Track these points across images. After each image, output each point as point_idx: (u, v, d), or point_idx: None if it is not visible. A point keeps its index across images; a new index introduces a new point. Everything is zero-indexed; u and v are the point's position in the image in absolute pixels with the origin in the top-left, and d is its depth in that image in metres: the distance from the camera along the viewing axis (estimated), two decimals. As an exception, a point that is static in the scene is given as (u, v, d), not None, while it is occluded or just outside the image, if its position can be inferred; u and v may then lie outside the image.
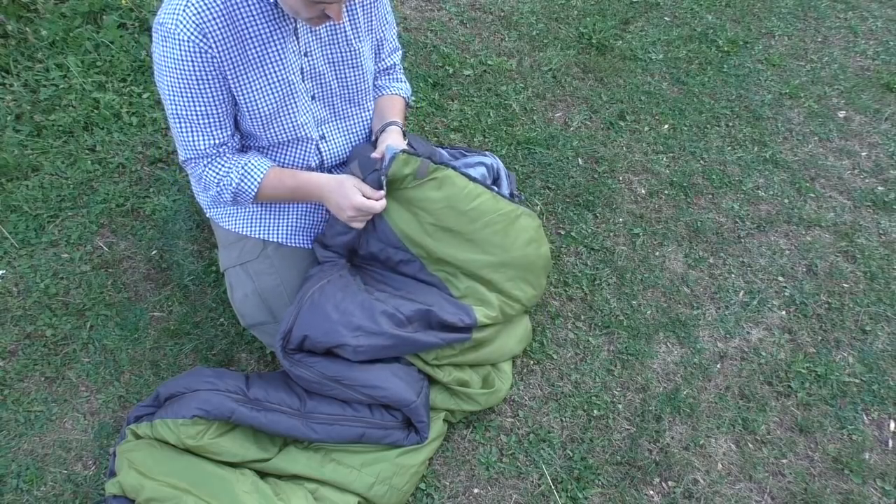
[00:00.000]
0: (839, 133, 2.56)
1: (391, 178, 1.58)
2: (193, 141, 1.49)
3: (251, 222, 1.71)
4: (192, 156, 1.51)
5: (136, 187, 2.23)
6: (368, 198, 1.54)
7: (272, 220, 1.72)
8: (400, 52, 1.84)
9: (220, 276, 1.99)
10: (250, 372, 1.84)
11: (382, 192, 1.56)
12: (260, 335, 1.76)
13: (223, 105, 1.47)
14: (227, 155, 1.54)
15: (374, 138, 1.71)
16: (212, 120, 1.47)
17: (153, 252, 2.09)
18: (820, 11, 3.06)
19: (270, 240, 1.70)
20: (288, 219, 1.73)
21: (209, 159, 1.52)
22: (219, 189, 1.56)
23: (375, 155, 1.60)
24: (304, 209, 1.75)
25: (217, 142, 1.50)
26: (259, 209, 1.72)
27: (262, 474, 1.56)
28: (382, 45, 1.73)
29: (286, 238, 1.72)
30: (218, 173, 1.54)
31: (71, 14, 2.62)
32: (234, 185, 1.54)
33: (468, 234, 1.69)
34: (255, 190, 1.56)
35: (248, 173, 1.55)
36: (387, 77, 1.83)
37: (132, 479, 1.47)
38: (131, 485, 1.47)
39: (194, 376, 1.61)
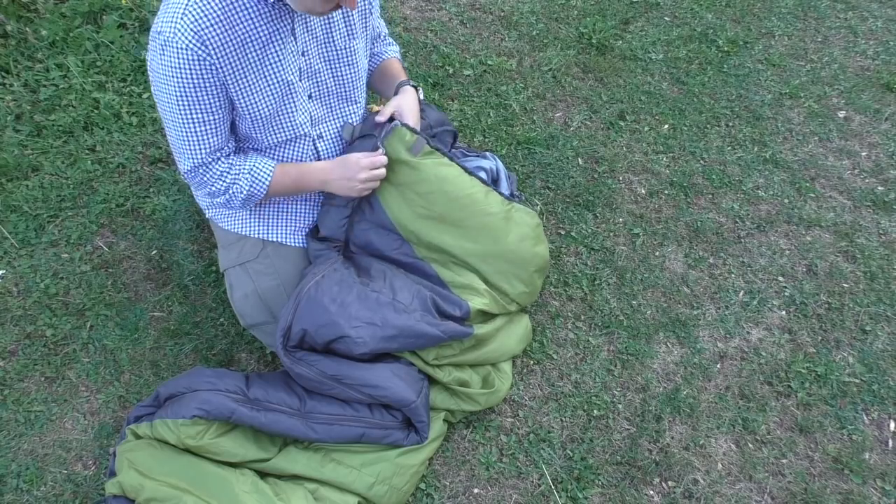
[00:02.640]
0: (839, 133, 2.56)
1: (386, 147, 1.64)
2: (191, 150, 1.49)
3: (250, 222, 1.71)
4: (192, 166, 1.51)
5: (136, 187, 2.23)
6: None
7: (271, 220, 1.72)
8: (383, 22, 1.89)
9: (220, 276, 1.99)
10: (250, 372, 1.84)
11: (382, 151, 1.63)
12: (260, 335, 1.76)
13: (220, 111, 1.47)
14: (228, 159, 1.55)
15: (379, 104, 1.80)
16: (209, 127, 1.47)
17: (153, 252, 2.09)
18: (820, 11, 3.06)
19: (270, 240, 1.71)
20: (287, 218, 1.73)
21: (207, 166, 1.52)
22: (228, 197, 1.57)
23: (380, 118, 1.65)
24: (304, 208, 1.75)
25: (214, 148, 1.50)
26: (258, 209, 1.72)
27: (262, 474, 1.56)
28: (378, 33, 1.80)
29: (286, 238, 1.72)
30: (225, 181, 1.54)
31: (71, 14, 2.62)
32: (245, 192, 1.56)
33: (458, 220, 1.70)
34: (265, 192, 1.59)
35: (257, 178, 1.57)
36: (381, 43, 1.85)
37: (132, 479, 1.47)
38: (131, 485, 1.47)
39: (194, 376, 1.61)
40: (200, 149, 1.49)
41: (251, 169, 1.56)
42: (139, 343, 1.90)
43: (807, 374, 1.91)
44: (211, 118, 1.46)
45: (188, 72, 1.38)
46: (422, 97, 1.77)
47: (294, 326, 1.55)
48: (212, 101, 1.44)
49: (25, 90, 2.41)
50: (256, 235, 1.70)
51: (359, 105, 1.73)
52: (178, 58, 1.36)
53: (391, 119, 1.67)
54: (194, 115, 1.44)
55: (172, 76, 1.38)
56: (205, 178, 1.54)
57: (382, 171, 1.63)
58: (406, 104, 1.70)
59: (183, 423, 1.51)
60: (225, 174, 1.54)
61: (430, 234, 1.70)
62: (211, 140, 1.49)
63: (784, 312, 2.05)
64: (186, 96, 1.41)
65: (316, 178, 1.63)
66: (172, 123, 1.46)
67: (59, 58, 2.49)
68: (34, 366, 1.85)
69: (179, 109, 1.43)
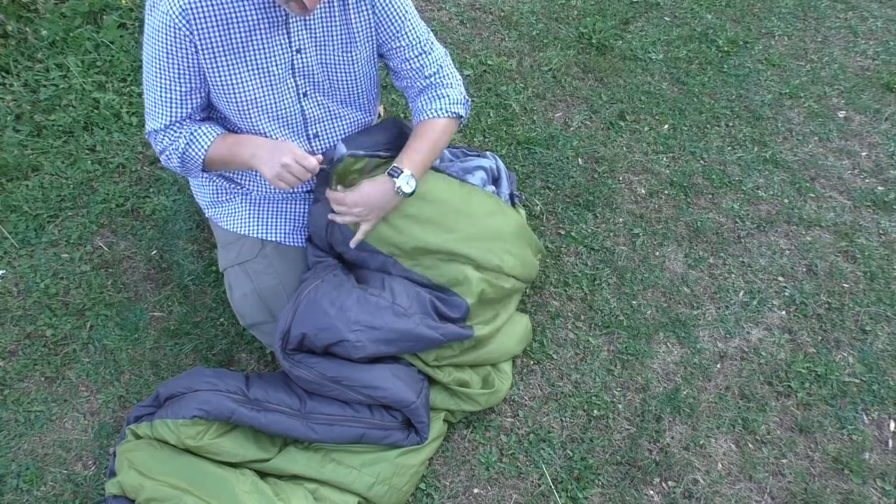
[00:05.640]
0: (839, 133, 2.56)
1: (340, 173, 1.61)
2: (155, 113, 1.52)
3: (249, 222, 1.71)
4: (152, 129, 1.54)
5: (136, 187, 2.23)
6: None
7: (270, 220, 1.72)
8: (436, 52, 1.64)
9: (220, 276, 1.99)
10: (250, 372, 1.84)
11: (316, 165, 1.48)
12: (259, 335, 1.76)
13: (187, 85, 1.48)
14: (185, 122, 1.55)
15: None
16: (174, 96, 1.49)
17: (153, 252, 2.09)
18: (820, 11, 3.06)
19: (269, 239, 1.70)
20: (286, 218, 1.73)
21: (166, 131, 1.54)
22: (167, 155, 1.56)
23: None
24: (303, 209, 1.75)
25: (177, 118, 1.52)
26: (257, 209, 1.72)
27: (262, 474, 1.56)
28: (423, 50, 1.61)
29: (284, 237, 1.72)
30: (170, 139, 1.55)
31: (71, 14, 2.62)
32: (179, 152, 1.54)
33: (430, 216, 1.67)
34: (203, 156, 1.55)
35: (195, 140, 1.54)
36: (425, 96, 1.63)
37: (132, 479, 1.47)
38: (131, 485, 1.47)
39: (194, 376, 1.61)
40: (164, 114, 1.51)
41: (194, 131, 1.54)
42: (139, 343, 1.90)
43: (807, 374, 1.91)
44: (177, 88, 1.48)
45: (164, 37, 1.41)
46: (397, 188, 1.54)
47: (293, 330, 1.55)
48: (181, 71, 1.46)
49: (25, 90, 2.41)
50: (255, 235, 1.70)
51: (364, 111, 1.71)
52: (160, 21, 1.40)
53: (336, 150, 1.59)
54: (163, 81, 1.47)
55: (152, 36, 1.43)
56: (157, 139, 1.56)
57: (304, 172, 1.46)
58: (361, 189, 1.53)
59: (183, 423, 1.51)
60: (172, 134, 1.54)
61: (408, 238, 1.65)
62: (175, 109, 1.51)
63: (784, 312, 2.05)
64: (159, 60, 1.45)
65: (248, 148, 1.51)
66: (146, 83, 1.51)
67: (59, 58, 2.49)
68: (34, 366, 1.85)
69: (152, 71, 1.47)
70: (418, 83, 1.64)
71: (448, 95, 1.63)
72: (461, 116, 1.66)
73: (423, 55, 1.62)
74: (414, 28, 1.60)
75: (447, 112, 1.62)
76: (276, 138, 1.60)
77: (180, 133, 1.54)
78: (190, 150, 1.55)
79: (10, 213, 2.13)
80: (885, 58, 2.85)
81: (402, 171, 1.55)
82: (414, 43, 1.61)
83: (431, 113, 1.62)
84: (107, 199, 2.18)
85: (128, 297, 1.99)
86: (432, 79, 1.64)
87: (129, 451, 1.52)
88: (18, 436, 1.73)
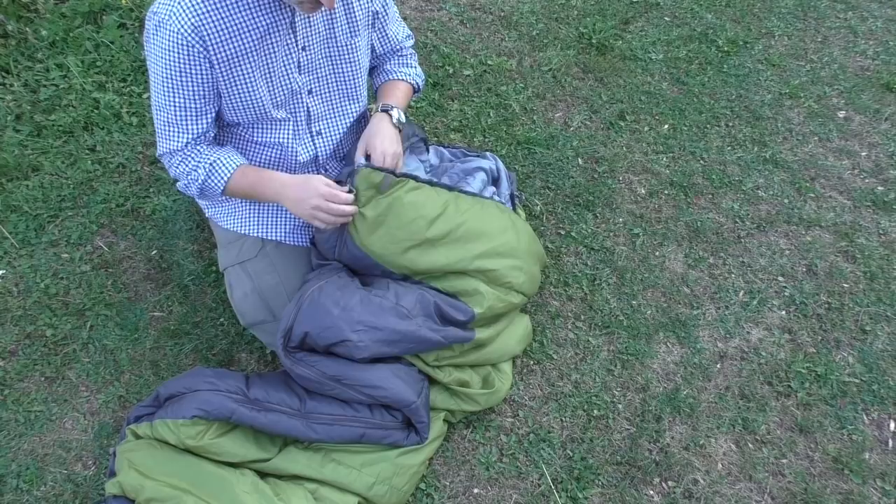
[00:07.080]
0: (839, 133, 2.56)
1: (359, 189, 1.58)
2: (169, 135, 1.51)
3: (250, 221, 1.71)
4: (167, 150, 1.53)
5: (136, 187, 2.23)
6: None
7: (271, 219, 1.72)
8: (412, 39, 1.85)
9: (220, 276, 1.99)
10: (250, 372, 1.84)
11: (351, 197, 1.55)
12: (260, 334, 1.76)
13: (202, 100, 1.48)
14: (199, 146, 1.55)
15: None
16: (189, 114, 1.48)
17: (153, 252, 2.09)
18: (820, 11, 3.06)
19: (269, 238, 1.71)
20: (287, 217, 1.73)
21: (181, 152, 1.53)
22: (186, 182, 1.57)
23: (359, 157, 1.62)
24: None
25: (193, 136, 1.51)
26: (258, 208, 1.72)
27: (262, 474, 1.56)
28: (386, 36, 1.74)
29: (285, 236, 1.72)
30: (187, 166, 1.54)
31: (71, 14, 2.62)
32: (199, 182, 1.55)
33: (445, 235, 1.67)
34: (222, 187, 1.56)
35: (215, 171, 1.55)
36: (396, 61, 1.81)
37: (132, 479, 1.47)
38: (131, 485, 1.47)
39: (194, 376, 1.61)
40: (179, 134, 1.50)
41: (213, 161, 1.54)
42: (139, 343, 1.90)
43: (807, 374, 1.91)
44: (192, 105, 1.47)
45: (176, 55, 1.39)
46: (395, 120, 1.67)
47: (296, 328, 1.55)
48: (195, 89, 1.45)
49: (25, 90, 2.41)
50: (256, 234, 1.70)
51: (360, 104, 1.74)
52: (169, 41, 1.37)
53: (366, 158, 1.63)
54: (177, 100, 1.46)
55: (161, 57, 1.40)
56: (172, 162, 1.55)
57: (340, 207, 1.51)
58: (373, 135, 1.62)
59: (183, 423, 1.51)
60: (188, 159, 1.54)
61: (420, 261, 1.66)
62: (190, 126, 1.50)
63: (784, 312, 2.05)
64: (172, 79, 1.43)
65: (272, 187, 1.55)
66: (156, 105, 1.48)
67: (59, 58, 2.49)
68: (34, 366, 1.85)
69: (164, 91, 1.45)
70: (389, 49, 1.79)
71: (415, 67, 1.83)
72: (419, 90, 1.88)
73: (406, 39, 1.82)
74: (397, 19, 1.78)
75: (412, 78, 1.82)
76: (286, 145, 1.63)
77: (198, 160, 1.54)
78: (210, 181, 1.56)
79: (10, 213, 2.13)
80: (885, 58, 2.85)
81: (392, 107, 1.68)
82: (401, 32, 1.79)
83: (400, 74, 1.80)
84: (107, 199, 2.18)
85: (128, 297, 1.99)
86: (404, 50, 1.82)
87: (129, 451, 1.52)
88: (18, 436, 1.73)
